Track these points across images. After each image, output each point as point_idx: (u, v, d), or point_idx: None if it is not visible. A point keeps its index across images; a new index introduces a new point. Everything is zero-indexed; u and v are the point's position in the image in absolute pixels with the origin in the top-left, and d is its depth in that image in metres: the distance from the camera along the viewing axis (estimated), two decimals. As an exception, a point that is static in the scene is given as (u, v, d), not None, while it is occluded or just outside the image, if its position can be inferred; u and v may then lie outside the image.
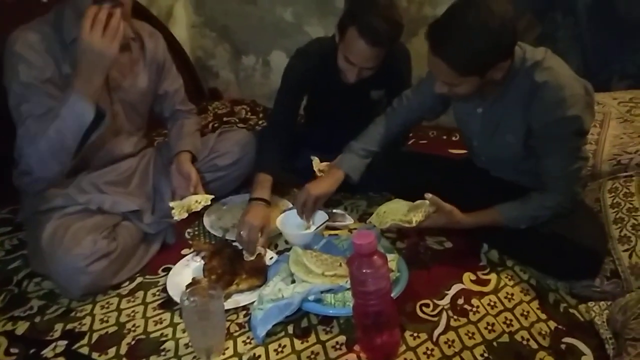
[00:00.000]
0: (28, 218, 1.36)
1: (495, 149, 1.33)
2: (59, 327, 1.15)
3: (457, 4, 1.11)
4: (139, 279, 1.30)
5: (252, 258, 1.30)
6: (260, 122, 2.28)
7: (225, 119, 2.32)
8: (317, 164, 1.62)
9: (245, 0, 2.36)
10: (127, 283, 1.28)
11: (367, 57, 1.40)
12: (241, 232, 1.33)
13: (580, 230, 1.21)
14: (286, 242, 1.44)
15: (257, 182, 1.47)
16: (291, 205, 1.62)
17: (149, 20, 2.00)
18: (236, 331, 1.12)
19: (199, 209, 1.36)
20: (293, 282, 1.20)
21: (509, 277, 1.25)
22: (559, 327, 1.09)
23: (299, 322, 1.13)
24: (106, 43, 1.12)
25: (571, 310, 1.14)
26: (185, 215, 1.32)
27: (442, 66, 1.12)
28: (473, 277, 1.25)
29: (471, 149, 1.46)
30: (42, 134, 1.15)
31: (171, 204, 1.33)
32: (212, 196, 1.40)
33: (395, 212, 1.26)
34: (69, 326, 1.15)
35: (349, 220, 1.53)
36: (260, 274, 1.26)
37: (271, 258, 1.35)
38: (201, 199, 1.36)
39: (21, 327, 1.16)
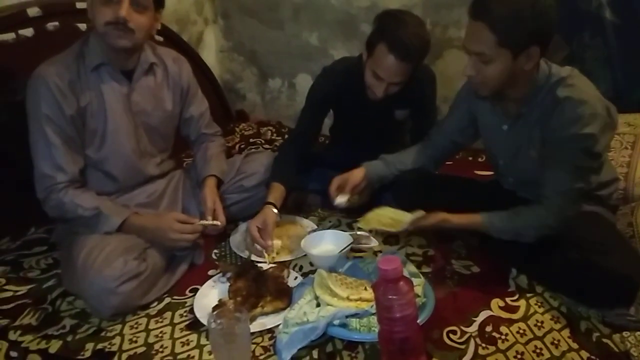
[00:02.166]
0: (62, 238, 1.42)
1: (520, 166, 1.32)
2: (89, 346, 1.18)
3: None
4: (167, 300, 1.32)
5: (258, 259, 1.36)
6: (285, 140, 2.32)
7: (251, 140, 2.36)
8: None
9: (273, 26, 2.42)
10: (155, 303, 1.31)
11: (395, 72, 1.43)
12: (247, 240, 1.42)
13: (613, 256, 1.17)
14: (311, 264, 1.45)
15: (270, 188, 1.54)
16: (315, 227, 1.64)
17: (179, 46, 2.10)
18: (261, 354, 1.12)
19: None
20: (318, 305, 1.21)
21: (539, 303, 1.22)
22: (592, 357, 1.06)
23: (324, 346, 1.12)
24: (176, 241, 1.33)
25: (604, 340, 1.10)
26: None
27: (481, 31, 1.13)
28: (502, 304, 1.22)
29: (497, 169, 1.45)
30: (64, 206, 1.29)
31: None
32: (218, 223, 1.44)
33: (383, 217, 1.33)
34: (100, 346, 1.18)
35: (374, 242, 1.53)
36: (285, 296, 1.26)
37: (295, 279, 1.36)
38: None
39: (54, 346, 1.19)
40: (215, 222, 1.42)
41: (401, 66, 1.41)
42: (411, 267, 1.31)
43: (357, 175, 1.48)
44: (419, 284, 1.19)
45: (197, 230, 1.38)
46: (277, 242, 1.50)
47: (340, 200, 1.47)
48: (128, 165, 1.43)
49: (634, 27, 1.70)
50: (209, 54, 2.53)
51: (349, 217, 1.68)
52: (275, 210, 1.49)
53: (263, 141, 2.35)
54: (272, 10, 2.38)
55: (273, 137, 2.39)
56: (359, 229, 1.44)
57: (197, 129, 1.60)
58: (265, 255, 1.43)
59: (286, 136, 2.37)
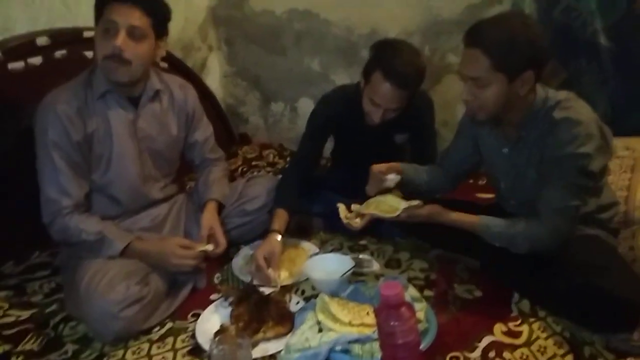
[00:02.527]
0: (66, 262, 1.42)
1: (521, 188, 1.33)
2: (92, 372, 1.18)
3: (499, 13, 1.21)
4: (169, 324, 1.32)
5: (265, 286, 1.36)
6: (287, 166, 2.34)
7: (254, 162, 2.39)
8: (343, 211, 1.63)
9: (275, 52, 2.47)
10: (157, 328, 1.31)
11: (391, 99, 1.47)
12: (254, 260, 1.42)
13: (615, 280, 1.16)
14: (313, 287, 1.45)
15: (274, 215, 1.55)
16: (317, 250, 1.64)
17: (183, 72, 2.14)
18: (264, 380, 1.12)
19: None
20: (320, 330, 1.20)
21: (542, 328, 1.21)
22: (596, 383, 1.05)
23: (327, 372, 1.12)
24: (178, 266, 1.36)
25: (609, 366, 1.10)
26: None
27: (476, 56, 1.16)
28: (504, 329, 1.22)
29: (499, 193, 1.46)
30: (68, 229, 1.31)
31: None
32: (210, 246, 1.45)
33: (382, 203, 1.35)
34: (102, 371, 1.18)
35: (376, 266, 1.53)
36: (287, 321, 1.26)
37: (297, 303, 1.36)
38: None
39: (56, 372, 1.19)
40: (207, 247, 1.43)
41: (397, 93, 1.45)
42: (413, 292, 1.31)
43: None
44: (421, 309, 1.19)
45: (199, 255, 1.39)
46: (283, 273, 1.49)
47: (393, 177, 1.45)
48: (132, 189, 1.45)
49: (628, 52, 1.73)
50: (213, 80, 2.58)
51: (351, 240, 1.69)
52: (280, 238, 1.50)
53: (265, 164, 2.38)
54: (274, 37, 2.44)
55: (275, 160, 2.42)
56: (356, 214, 1.43)
57: (201, 153, 1.63)
58: (273, 281, 1.42)
59: (288, 159, 2.40)
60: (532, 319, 1.24)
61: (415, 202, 1.32)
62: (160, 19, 1.34)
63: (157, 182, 1.52)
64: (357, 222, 1.62)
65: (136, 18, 1.28)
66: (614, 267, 1.21)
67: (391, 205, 1.35)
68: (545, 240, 1.21)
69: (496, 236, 1.26)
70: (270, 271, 1.41)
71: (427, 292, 1.38)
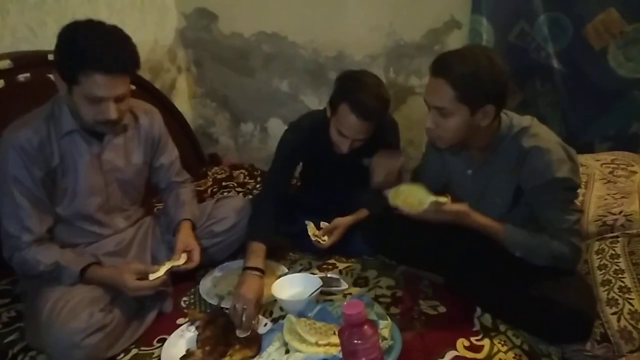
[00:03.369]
0: (26, 289, 1.39)
1: (484, 209, 1.37)
2: (52, 403, 1.15)
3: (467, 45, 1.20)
4: (134, 351, 1.30)
5: (246, 334, 1.30)
6: (257, 185, 2.34)
7: (224, 183, 2.38)
8: (312, 228, 1.66)
9: (244, 73, 2.50)
10: (122, 355, 1.28)
11: (358, 130, 1.50)
12: (236, 306, 1.33)
13: (568, 292, 1.22)
14: (281, 309, 1.45)
15: (251, 251, 1.49)
16: (287, 271, 1.65)
17: (152, 93, 2.15)
18: (229, 405, 1.11)
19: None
20: (287, 352, 1.21)
21: (502, 342, 1.25)
22: (554, 394, 1.09)
23: (293, 394, 1.12)
24: (137, 290, 1.31)
25: (565, 377, 1.14)
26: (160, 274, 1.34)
27: (441, 86, 1.19)
28: (467, 343, 1.25)
29: None
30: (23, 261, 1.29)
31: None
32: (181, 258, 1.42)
33: (411, 195, 1.28)
34: (62, 402, 1.15)
35: (344, 285, 1.55)
36: (253, 344, 1.26)
37: (265, 325, 1.36)
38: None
39: (14, 405, 1.15)
40: (178, 261, 1.39)
41: (364, 125, 1.48)
42: (378, 309, 1.33)
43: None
44: (386, 327, 1.21)
45: (154, 285, 1.33)
46: (261, 319, 1.41)
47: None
48: (97, 221, 1.44)
49: (579, 75, 1.84)
50: (182, 101, 2.59)
51: (319, 259, 1.71)
52: (262, 278, 1.44)
53: (236, 184, 2.38)
54: (243, 59, 2.47)
55: (245, 180, 2.41)
56: (391, 203, 1.29)
57: (168, 177, 1.62)
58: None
59: (259, 179, 2.41)
60: (493, 333, 1.28)
61: (443, 199, 1.26)
62: (137, 69, 1.30)
63: (123, 212, 1.52)
64: (325, 240, 1.65)
65: (122, 86, 1.26)
66: (569, 280, 1.27)
67: (419, 199, 1.26)
68: (568, 255, 1.25)
69: (520, 245, 1.28)
70: (253, 322, 1.33)
71: (394, 310, 1.41)
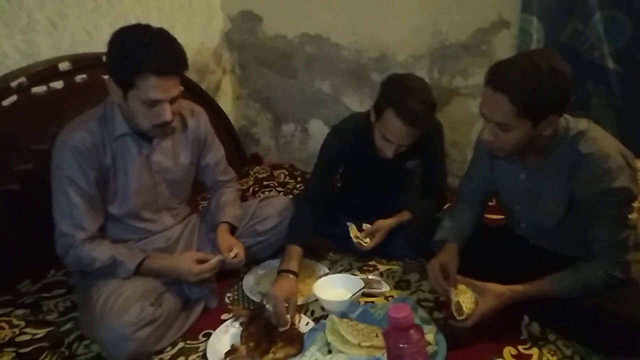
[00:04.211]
0: (80, 281, 1.45)
1: (537, 215, 1.33)
2: (104, 391, 1.19)
3: (523, 52, 1.14)
4: (181, 344, 1.34)
5: (284, 328, 1.32)
6: (298, 185, 2.37)
7: (265, 182, 2.42)
8: (353, 230, 1.66)
9: (287, 74, 2.53)
10: (169, 348, 1.32)
11: (404, 136, 1.47)
12: (267, 305, 1.35)
13: (626, 304, 1.17)
14: (322, 308, 1.46)
15: (286, 253, 1.51)
16: (327, 271, 1.66)
17: (198, 94, 2.20)
18: (273, 402, 1.12)
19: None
20: (329, 352, 1.21)
21: (552, 352, 1.21)
22: (607, 409, 1.04)
23: (336, 394, 1.12)
24: (201, 273, 1.36)
25: (620, 392, 1.09)
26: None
27: (501, 102, 1.13)
28: (514, 352, 1.22)
29: (511, 215, 1.45)
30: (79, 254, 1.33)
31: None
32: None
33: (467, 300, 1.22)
34: (114, 391, 1.19)
35: (385, 287, 1.54)
36: (296, 342, 1.27)
37: (307, 324, 1.37)
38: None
39: (70, 391, 1.20)
40: (227, 255, 1.43)
41: (410, 131, 1.46)
42: (422, 313, 1.31)
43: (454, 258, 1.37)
44: (431, 331, 1.19)
45: (215, 267, 1.41)
46: (303, 317, 1.42)
47: None
48: (146, 219, 1.49)
49: (635, 76, 1.75)
50: (226, 101, 2.64)
51: (360, 260, 1.70)
52: (296, 281, 1.45)
53: (276, 184, 2.41)
54: (286, 61, 2.50)
55: (286, 180, 2.45)
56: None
57: (213, 176, 1.65)
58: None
59: (299, 179, 2.43)
60: (541, 342, 1.24)
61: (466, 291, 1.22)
62: (186, 70, 1.34)
63: (171, 210, 1.56)
64: (367, 242, 1.64)
65: (175, 87, 1.29)
66: (626, 291, 1.22)
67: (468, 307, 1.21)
68: (617, 274, 1.20)
69: (571, 290, 1.22)
70: (288, 317, 1.34)
71: (437, 314, 1.38)
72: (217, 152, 1.65)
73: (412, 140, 1.50)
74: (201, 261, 1.40)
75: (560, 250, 1.34)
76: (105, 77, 1.33)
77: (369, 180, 1.77)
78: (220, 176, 1.67)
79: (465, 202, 1.51)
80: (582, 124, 1.22)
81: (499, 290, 1.23)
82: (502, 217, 1.59)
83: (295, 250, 1.51)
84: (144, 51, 1.22)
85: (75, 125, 1.37)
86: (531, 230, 1.40)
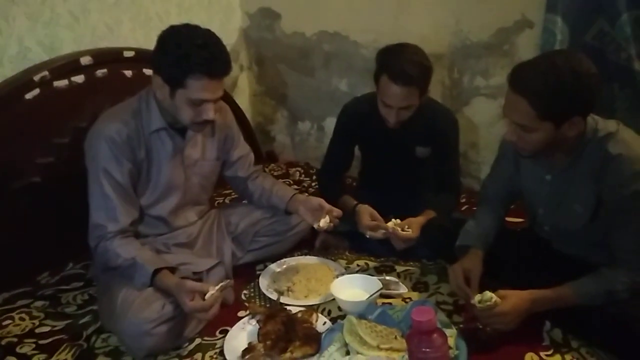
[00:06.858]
0: (98, 274, 1.45)
1: (562, 218, 1.30)
2: (122, 385, 1.20)
3: (546, 52, 1.14)
4: (198, 340, 1.34)
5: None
6: (313, 184, 2.36)
7: (280, 180, 2.41)
8: (393, 222, 1.61)
9: (304, 72, 2.52)
10: (186, 344, 1.32)
11: (401, 98, 1.53)
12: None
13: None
14: (339, 308, 1.45)
15: (343, 202, 1.68)
16: (344, 270, 1.65)
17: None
18: (291, 401, 1.12)
19: None
20: (347, 352, 1.20)
21: (575, 359, 1.19)
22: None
23: (354, 396, 1.11)
24: (193, 312, 1.24)
25: (646, 401, 1.06)
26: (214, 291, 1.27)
27: (521, 105, 1.12)
28: (536, 358, 1.20)
29: (534, 218, 1.42)
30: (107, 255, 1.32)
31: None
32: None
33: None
34: (132, 385, 1.20)
35: (403, 289, 1.53)
36: (314, 341, 1.27)
37: (324, 323, 1.36)
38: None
39: (88, 383, 1.21)
40: (228, 283, 1.34)
41: (404, 91, 1.51)
42: (442, 317, 1.30)
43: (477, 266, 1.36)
44: (451, 335, 1.18)
45: (210, 305, 1.24)
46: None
47: None
48: (175, 212, 1.49)
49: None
50: (243, 98, 2.64)
51: (376, 260, 1.69)
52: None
53: (291, 182, 2.41)
54: (303, 58, 2.49)
55: (301, 178, 2.44)
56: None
57: (247, 167, 1.67)
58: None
59: (314, 177, 2.42)
60: (564, 349, 1.22)
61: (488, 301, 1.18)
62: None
63: (196, 205, 1.57)
64: (410, 232, 1.57)
65: (222, 88, 1.31)
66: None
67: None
68: None
69: (594, 298, 1.19)
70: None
71: (456, 318, 1.37)
72: (244, 146, 1.68)
73: (410, 102, 1.54)
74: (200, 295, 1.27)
75: (584, 256, 1.32)
76: (149, 72, 1.35)
77: (382, 172, 1.80)
78: (253, 167, 1.69)
79: (488, 205, 1.49)
80: (611, 125, 1.20)
81: (519, 293, 1.21)
82: (522, 219, 1.56)
83: (348, 198, 1.72)
84: (198, 53, 1.23)
85: (110, 116, 1.37)
86: (555, 233, 1.38)
